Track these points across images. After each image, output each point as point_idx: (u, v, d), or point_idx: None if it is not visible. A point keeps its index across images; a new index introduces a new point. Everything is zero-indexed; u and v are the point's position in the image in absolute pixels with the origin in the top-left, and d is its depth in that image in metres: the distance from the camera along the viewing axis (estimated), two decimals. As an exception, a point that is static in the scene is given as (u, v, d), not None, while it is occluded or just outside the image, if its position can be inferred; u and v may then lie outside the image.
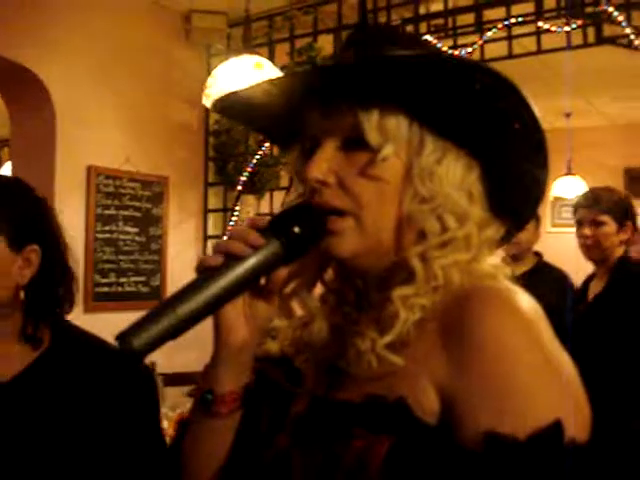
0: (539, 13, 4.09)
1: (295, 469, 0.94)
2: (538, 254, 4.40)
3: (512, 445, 0.78)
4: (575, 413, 0.82)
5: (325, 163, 0.93)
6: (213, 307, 0.90)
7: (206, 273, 0.90)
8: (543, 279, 4.01)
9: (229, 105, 1.08)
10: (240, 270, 0.90)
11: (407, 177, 0.93)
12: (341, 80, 0.93)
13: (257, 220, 0.95)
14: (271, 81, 0.99)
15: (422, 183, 0.93)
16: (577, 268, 5.33)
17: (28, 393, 1.38)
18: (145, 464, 1.38)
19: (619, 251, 3.46)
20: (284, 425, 1.01)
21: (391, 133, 0.92)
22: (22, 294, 1.44)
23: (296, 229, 0.92)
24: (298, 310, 1.05)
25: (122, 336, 0.85)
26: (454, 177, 0.94)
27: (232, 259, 0.90)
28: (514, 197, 1.01)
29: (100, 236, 4.39)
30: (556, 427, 0.79)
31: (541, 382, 0.81)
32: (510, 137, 0.94)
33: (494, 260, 0.98)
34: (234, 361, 0.98)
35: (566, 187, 7.29)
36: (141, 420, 1.44)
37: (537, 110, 0.92)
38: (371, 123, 0.92)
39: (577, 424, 0.81)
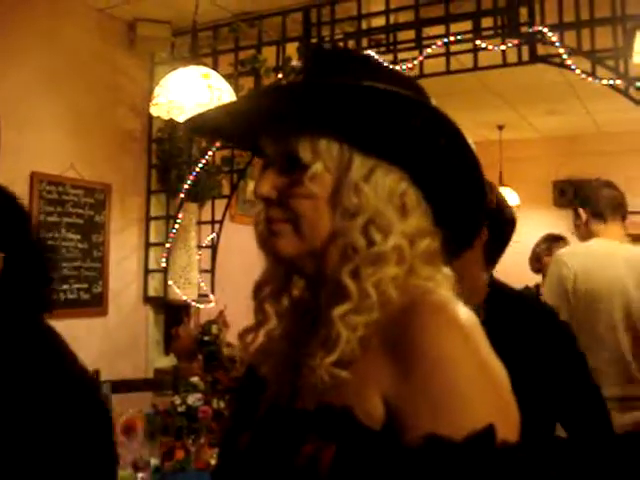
0: (476, 31, 4.23)
1: (251, 470, 1.02)
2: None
3: (449, 445, 0.86)
4: (506, 417, 0.91)
5: (268, 183, 1.05)
6: None
7: None
8: None
9: (197, 126, 1.20)
10: None
11: (336, 193, 1.02)
12: (284, 105, 1.03)
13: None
14: (228, 105, 1.12)
15: (349, 198, 1.01)
16: (513, 276, 5.51)
17: None
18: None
19: None
20: (247, 428, 1.08)
21: (322, 152, 1.02)
22: None
23: None
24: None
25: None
26: (382, 191, 1.02)
27: None
28: (452, 208, 1.08)
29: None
30: (489, 430, 0.87)
31: (477, 389, 0.90)
32: (435, 151, 1.02)
33: (439, 269, 1.04)
34: None
35: (499, 197, 7.50)
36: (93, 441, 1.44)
37: (462, 123, 1.01)
38: (304, 144, 1.02)
39: (508, 427, 0.90)
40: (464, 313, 0.95)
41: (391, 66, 1.11)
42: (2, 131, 4.15)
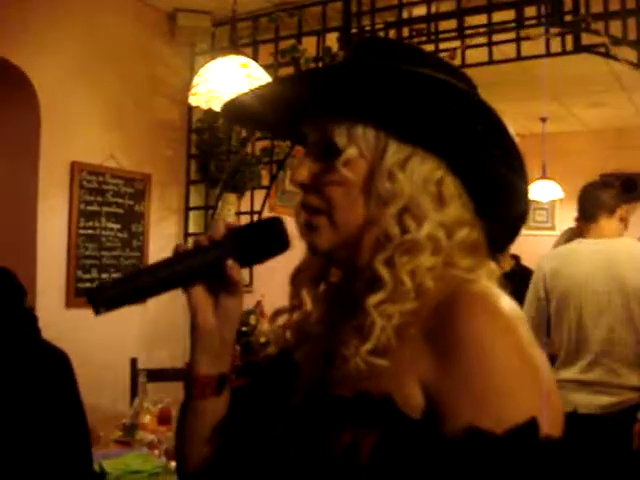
0: (519, 21, 4.16)
1: (288, 458, 1.01)
2: (515, 257, 4.47)
3: (490, 439, 0.85)
4: (550, 411, 0.89)
5: (305, 170, 1.04)
6: (168, 284, 1.04)
7: (175, 255, 1.05)
8: (520, 282, 4.09)
9: (235, 114, 1.20)
10: (195, 259, 1.04)
11: (370, 179, 1.01)
12: (322, 89, 1.02)
13: (230, 223, 1.09)
14: (264, 88, 1.10)
15: (382, 184, 1.00)
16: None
17: None
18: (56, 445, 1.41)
19: None
20: (280, 415, 1.07)
21: (358, 138, 1.01)
22: None
23: (255, 238, 1.07)
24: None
25: (91, 290, 1.00)
26: (418, 179, 1.00)
27: (197, 249, 1.04)
28: (493, 199, 1.06)
29: (83, 232, 4.40)
30: (532, 424, 0.86)
31: (518, 382, 0.88)
32: (473, 139, 1.00)
33: (481, 261, 1.02)
34: (204, 345, 1.07)
35: (541, 191, 7.41)
36: (56, 400, 1.47)
37: (511, 113, 0.99)
38: (341, 130, 1.01)
39: (551, 421, 0.88)
40: (506, 304, 0.94)
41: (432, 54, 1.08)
42: (43, 121, 4.20)
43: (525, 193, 1.06)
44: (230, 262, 1.03)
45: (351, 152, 1.01)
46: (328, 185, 1.03)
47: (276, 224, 1.07)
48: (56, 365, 1.51)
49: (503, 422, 0.86)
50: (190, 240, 5.05)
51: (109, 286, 1.02)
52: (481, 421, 0.86)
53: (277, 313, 1.16)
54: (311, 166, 1.05)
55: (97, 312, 0.98)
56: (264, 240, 1.06)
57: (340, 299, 1.10)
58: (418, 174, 1.00)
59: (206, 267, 1.04)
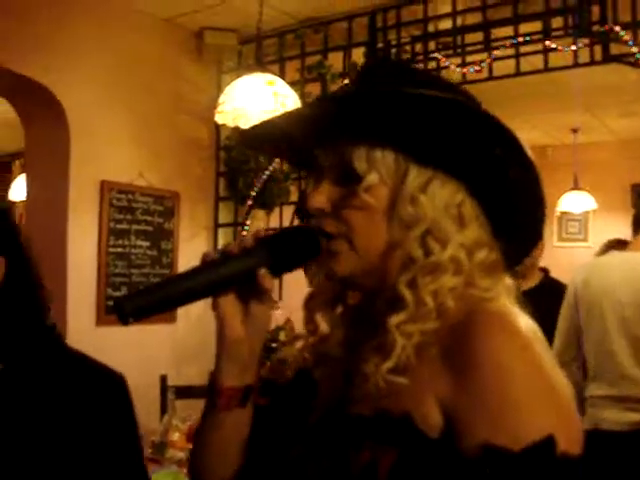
0: (546, 32, 4.13)
1: (307, 477, 1.02)
2: (544, 270, 4.42)
3: (507, 456, 0.85)
4: (568, 428, 0.89)
5: (322, 195, 1.04)
6: (197, 293, 1.02)
7: (202, 264, 1.03)
8: (549, 295, 4.04)
9: (252, 140, 1.22)
10: (225, 267, 1.03)
11: (393, 204, 1.01)
12: (339, 114, 1.01)
13: (261, 231, 1.07)
14: (281, 117, 1.10)
15: (405, 209, 1.00)
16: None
17: None
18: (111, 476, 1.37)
19: None
20: (299, 434, 1.07)
21: (377, 164, 1.01)
22: None
23: (287, 246, 1.05)
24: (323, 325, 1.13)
25: (118, 300, 0.98)
26: (439, 202, 1.01)
27: (226, 257, 1.03)
28: (512, 220, 1.06)
29: (112, 250, 4.44)
30: (549, 441, 0.86)
31: (536, 399, 0.89)
32: (492, 162, 1.00)
33: (499, 280, 1.03)
34: (231, 355, 1.06)
35: (573, 202, 7.33)
36: (112, 437, 1.40)
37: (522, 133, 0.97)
38: (360, 155, 1.01)
39: (569, 439, 0.88)
40: (524, 322, 0.95)
41: (437, 74, 1.07)
42: (72, 141, 4.25)
43: (542, 208, 1.05)
44: (262, 270, 1.02)
45: (372, 178, 1.00)
46: (349, 210, 1.02)
47: (307, 231, 1.06)
48: (114, 391, 1.48)
49: (520, 439, 0.86)
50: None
51: (137, 295, 1.01)
52: (498, 438, 0.86)
53: (296, 338, 1.16)
54: (329, 191, 1.04)
55: (125, 322, 0.97)
56: (295, 247, 1.05)
57: (359, 320, 1.10)
58: (440, 197, 1.01)
59: (237, 276, 1.03)
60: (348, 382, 1.03)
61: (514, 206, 1.04)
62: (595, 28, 3.97)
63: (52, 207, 4.33)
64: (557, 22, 4.12)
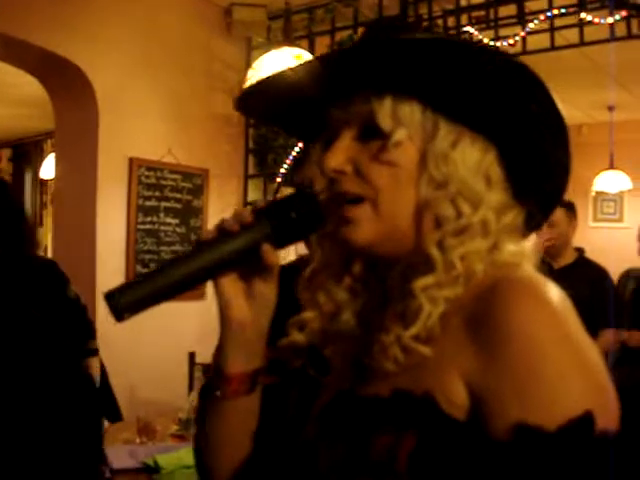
0: (582, 4, 4.03)
1: (321, 462, 0.95)
2: (579, 250, 4.35)
3: (542, 435, 0.78)
4: (604, 403, 0.81)
5: (342, 153, 0.94)
6: (196, 278, 0.93)
7: (198, 246, 0.95)
8: (582, 274, 3.98)
9: (253, 104, 1.10)
10: (225, 246, 0.94)
11: (422, 162, 0.93)
12: (354, 68, 0.93)
13: (259, 202, 0.98)
14: (285, 72, 0.99)
15: (436, 167, 0.92)
16: (620, 263, 5.29)
17: None
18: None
19: None
20: (310, 415, 1.01)
21: (404, 119, 0.93)
22: None
23: (292, 214, 0.95)
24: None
25: (110, 294, 0.89)
26: (470, 161, 0.93)
27: (224, 235, 0.94)
28: (537, 181, 0.99)
29: (141, 227, 4.44)
30: (586, 418, 0.78)
31: (570, 373, 0.81)
32: (526, 120, 0.93)
33: (522, 245, 0.96)
34: (238, 339, 0.98)
35: (608, 182, 7.20)
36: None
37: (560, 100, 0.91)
38: (384, 110, 0.92)
39: (607, 415, 0.80)
40: (553, 291, 0.86)
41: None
42: (101, 118, 4.24)
43: (568, 175, 0.99)
44: (266, 246, 0.94)
45: (401, 134, 0.92)
46: (375, 169, 0.94)
47: (308, 196, 0.97)
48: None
49: (556, 417, 0.78)
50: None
51: (130, 287, 0.92)
52: (531, 417, 0.78)
53: (295, 324, 1.06)
54: (349, 149, 0.95)
55: (119, 318, 0.89)
56: (298, 216, 0.95)
57: (370, 291, 1.03)
58: (470, 156, 0.93)
59: (238, 254, 0.94)
60: (362, 359, 0.96)
61: (542, 170, 0.97)
62: (632, 0, 3.87)
63: (81, 184, 4.33)
64: (593, -6, 4.02)
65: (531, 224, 1.01)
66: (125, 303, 0.89)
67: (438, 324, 0.89)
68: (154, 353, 4.17)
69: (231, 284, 0.97)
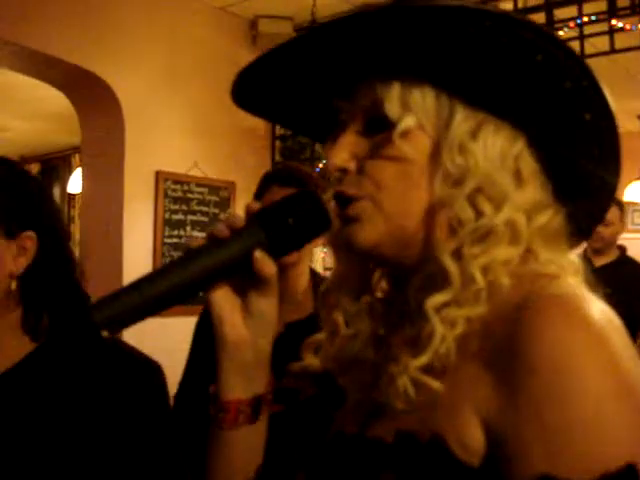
0: (612, 11, 3.97)
1: None
2: (621, 247, 4.20)
3: None
4: None
5: (345, 150, 0.83)
6: (183, 290, 0.81)
7: (185, 254, 0.83)
8: (626, 272, 3.83)
9: (248, 98, 0.97)
10: (213, 254, 0.82)
11: (435, 155, 0.80)
12: (355, 44, 0.80)
13: (254, 206, 0.84)
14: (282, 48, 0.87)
15: (452, 160, 0.79)
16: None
17: (23, 385, 1.30)
18: (144, 464, 1.31)
19: None
20: (310, 455, 0.91)
21: (414, 105, 0.80)
22: (14, 284, 1.36)
23: (287, 220, 0.83)
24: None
25: (92, 307, 0.80)
26: (493, 152, 0.80)
27: (213, 242, 0.82)
28: (582, 178, 0.85)
29: (168, 240, 4.43)
30: (629, 472, 0.63)
31: (611, 414, 0.65)
32: (563, 101, 0.79)
33: (562, 253, 0.82)
34: (234, 361, 0.86)
35: (638, 191, 7.09)
36: (144, 425, 1.32)
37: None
38: (391, 96, 0.80)
39: None
40: (597, 308, 0.71)
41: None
42: (127, 131, 4.24)
43: (619, 163, 0.85)
44: (258, 253, 0.81)
45: (408, 122, 0.79)
46: (378, 164, 0.81)
47: (310, 197, 0.84)
48: (149, 379, 1.40)
49: (589, 470, 0.63)
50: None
51: (110, 300, 0.79)
52: (559, 469, 0.64)
53: (311, 343, 0.94)
54: (353, 145, 0.83)
55: (112, 331, 0.79)
56: (298, 220, 0.82)
57: (390, 311, 0.90)
58: (493, 146, 0.80)
59: (226, 263, 0.82)
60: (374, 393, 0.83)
61: (585, 161, 0.83)
62: (664, 6, 3.81)
63: (108, 198, 4.33)
64: (623, 1, 3.96)
65: (580, 228, 0.87)
66: (102, 319, 0.78)
67: (454, 350, 0.76)
68: (180, 364, 4.13)
69: (225, 298, 0.85)
